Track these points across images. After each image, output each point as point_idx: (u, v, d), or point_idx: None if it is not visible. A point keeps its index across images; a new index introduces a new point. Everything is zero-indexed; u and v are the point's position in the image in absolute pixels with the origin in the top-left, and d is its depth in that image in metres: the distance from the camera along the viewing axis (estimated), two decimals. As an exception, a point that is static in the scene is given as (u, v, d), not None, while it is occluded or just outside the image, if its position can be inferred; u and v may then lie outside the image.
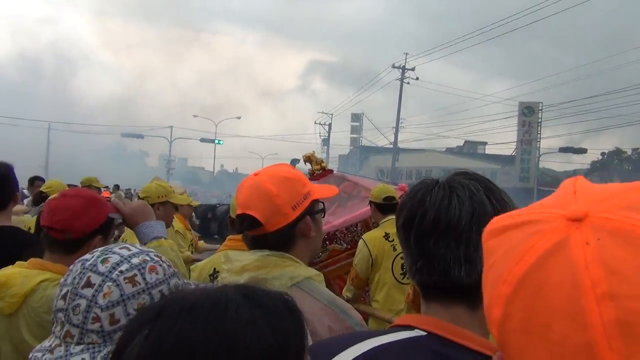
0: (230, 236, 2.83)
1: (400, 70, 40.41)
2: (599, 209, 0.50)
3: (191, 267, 2.77)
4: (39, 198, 5.19)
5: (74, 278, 1.06)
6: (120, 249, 1.11)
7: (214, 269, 2.64)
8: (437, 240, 1.03)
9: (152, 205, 3.59)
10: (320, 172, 5.44)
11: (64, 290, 1.06)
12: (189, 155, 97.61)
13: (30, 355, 1.05)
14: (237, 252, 1.60)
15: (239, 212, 1.57)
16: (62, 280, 1.10)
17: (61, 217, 1.92)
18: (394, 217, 4.85)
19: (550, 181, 42.66)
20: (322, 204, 1.71)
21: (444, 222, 1.02)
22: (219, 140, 56.87)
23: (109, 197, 9.96)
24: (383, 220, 4.47)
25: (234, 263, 1.55)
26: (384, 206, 4.40)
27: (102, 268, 1.05)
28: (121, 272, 1.05)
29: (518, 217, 0.56)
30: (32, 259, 1.97)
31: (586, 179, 0.60)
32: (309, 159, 5.56)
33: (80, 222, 1.93)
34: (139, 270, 1.06)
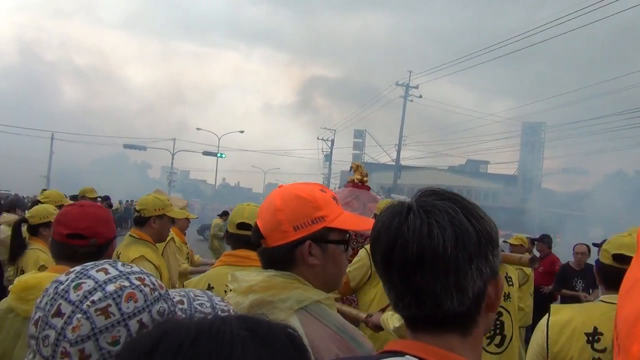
0: (226, 252, 2.79)
1: (404, 87, 40.53)
2: None
3: (185, 282, 2.72)
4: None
5: (46, 303, 0.96)
6: (98, 271, 0.98)
7: (209, 284, 2.61)
8: (423, 273, 0.97)
9: (149, 218, 3.56)
10: (357, 184, 5.58)
11: (37, 315, 0.96)
12: (191, 167, 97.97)
13: None
14: (244, 272, 1.52)
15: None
16: (37, 301, 1.01)
17: (88, 223, 2.01)
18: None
19: (552, 202, 42.54)
20: (347, 235, 1.56)
21: (429, 253, 0.96)
22: (221, 154, 56.83)
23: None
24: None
25: (241, 283, 1.47)
26: None
27: (73, 296, 0.94)
28: (93, 302, 0.92)
29: None
30: (55, 266, 2.03)
31: None
32: (357, 167, 5.78)
33: (105, 228, 2.06)
34: (114, 299, 0.93)
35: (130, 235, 3.49)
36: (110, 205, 11.60)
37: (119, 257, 3.34)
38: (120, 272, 0.99)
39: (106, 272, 0.98)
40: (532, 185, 43.42)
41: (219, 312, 1.01)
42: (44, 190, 7.18)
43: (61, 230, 2.01)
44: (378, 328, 3.27)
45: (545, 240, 8.56)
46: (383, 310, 3.61)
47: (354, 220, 1.60)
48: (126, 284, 0.96)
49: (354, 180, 5.68)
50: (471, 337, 1.01)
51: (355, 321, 3.43)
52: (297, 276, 1.47)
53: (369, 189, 5.71)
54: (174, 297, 1.04)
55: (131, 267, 1.02)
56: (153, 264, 3.29)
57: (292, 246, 1.47)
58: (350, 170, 5.97)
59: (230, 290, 1.52)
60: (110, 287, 0.94)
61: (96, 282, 0.95)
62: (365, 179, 5.72)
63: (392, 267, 1.01)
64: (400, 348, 1.01)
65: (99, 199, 8.33)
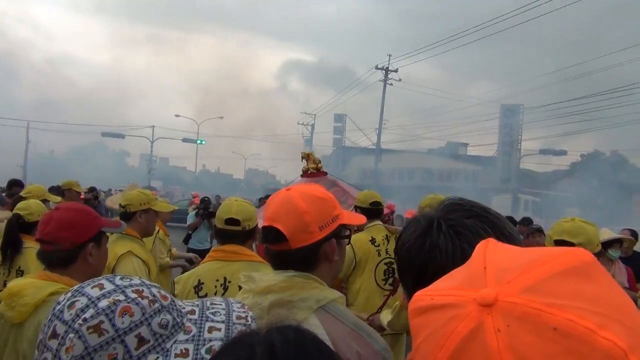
0: (215, 248, 2.80)
1: (384, 71, 40.49)
2: (506, 292, 0.55)
3: (175, 279, 2.73)
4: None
5: (45, 325, 0.93)
6: (93, 287, 0.94)
7: (199, 280, 2.64)
8: None
9: (134, 213, 3.56)
10: (313, 172, 5.50)
11: (39, 338, 0.94)
12: (171, 155, 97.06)
13: None
14: (260, 273, 1.57)
15: (265, 224, 1.54)
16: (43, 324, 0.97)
17: (51, 229, 2.00)
18: (379, 222, 4.81)
19: (530, 182, 43.13)
20: (348, 230, 1.66)
21: None
22: (201, 140, 56.53)
23: (83, 199, 9.86)
24: (368, 225, 4.46)
25: (258, 283, 1.51)
26: (370, 211, 4.40)
27: (66, 315, 0.90)
28: (85, 320, 0.88)
29: (437, 299, 0.60)
30: (39, 271, 2.04)
31: (497, 241, 0.67)
32: (307, 156, 5.67)
33: (70, 232, 2.01)
34: (107, 315, 0.88)
35: (117, 231, 3.48)
36: (96, 197, 11.45)
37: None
38: (117, 286, 0.95)
39: (101, 287, 0.94)
40: (511, 167, 43.91)
41: (235, 320, 1.00)
42: (11, 182, 7.13)
43: (35, 236, 2.06)
44: (381, 329, 3.34)
45: (525, 224, 8.68)
46: (379, 311, 3.73)
47: (355, 216, 1.78)
48: (121, 297, 0.91)
49: (308, 170, 5.61)
50: None
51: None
52: (314, 276, 1.51)
53: (325, 174, 5.65)
54: (183, 308, 1.01)
55: (130, 279, 0.98)
56: (141, 259, 3.30)
57: (318, 245, 1.51)
58: (302, 159, 5.86)
59: (246, 291, 1.54)
60: (103, 303, 0.90)
61: (89, 299, 0.91)
62: (319, 165, 5.64)
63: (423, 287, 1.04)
64: None
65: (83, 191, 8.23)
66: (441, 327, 0.57)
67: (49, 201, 5.38)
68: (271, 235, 1.52)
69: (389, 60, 40.57)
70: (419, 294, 0.64)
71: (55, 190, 7.38)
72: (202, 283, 2.61)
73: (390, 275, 4.42)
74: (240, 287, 2.54)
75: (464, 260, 0.93)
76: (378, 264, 4.40)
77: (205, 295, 2.58)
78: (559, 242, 2.58)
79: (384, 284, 4.38)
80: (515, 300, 0.53)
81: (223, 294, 2.58)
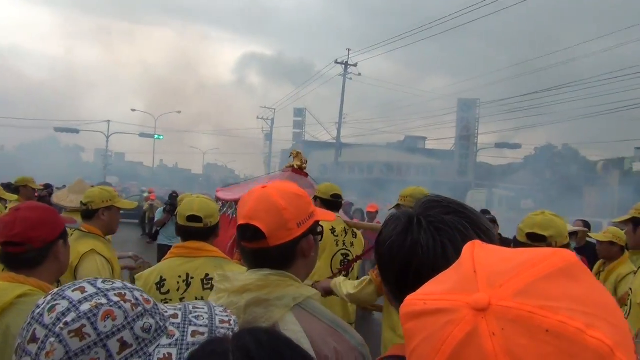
0: (177, 244, 2.83)
1: (343, 66, 40.61)
2: (499, 296, 0.57)
3: (136, 276, 2.76)
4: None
5: (23, 329, 0.90)
6: (74, 290, 0.92)
7: (161, 277, 2.66)
8: None
9: (97, 210, 3.54)
10: (295, 169, 5.59)
11: (16, 343, 0.91)
12: (127, 150, 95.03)
13: None
14: (235, 272, 1.56)
15: (242, 222, 1.52)
16: (21, 327, 0.94)
17: (19, 229, 1.95)
18: (339, 215, 4.81)
19: (486, 175, 44.13)
20: (321, 227, 1.66)
21: None
22: (159, 135, 55.59)
23: (37, 197, 9.61)
24: (328, 216, 4.56)
25: (234, 283, 1.50)
26: (331, 203, 4.51)
27: (47, 319, 0.87)
28: (66, 324, 0.86)
29: (430, 304, 0.62)
30: (2, 273, 1.98)
31: (483, 243, 0.70)
32: (297, 154, 5.76)
33: (40, 231, 1.98)
34: (89, 319, 0.86)
35: (79, 230, 3.45)
36: (52, 194, 11.18)
37: (67, 252, 3.31)
38: (98, 289, 0.92)
39: (83, 290, 0.92)
40: (468, 160, 44.80)
41: (218, 324, 0.99)
42: None
43: None
44: (327, 293, 3.43)
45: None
46: (331, 278, 3.80)
47: (326, 213, 1.79)
48: (103, 301, 0.90)
49: (293, 167, 5.75)
50: None
51: None
52: (289, 274, 1.52)
53: (307, 175, 5.79)
54: (165, 312, 0.99)
55: (112, 282, 0.96)
56: (105, 257, 3.28)
57: (296, 242, 1.53)
58: (290, 156, 5.99)
59: (222, 291, 1.53)
60: (85, 307, 0.88)
61: (71, 302, 0.89)
62: (304, 165, 5.76)
63: (406, 285, 0.99)
64: (402, 352, 1.00)
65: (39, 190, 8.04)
66: (437, 332, 0.59)
67: (5, 200, 5.28)
68: (249, 233, 1.51)
69: (349, 55, 40.76)
70: (410, 299, 0.66)
71: (6, 187, 7.23)
72: (164, 280, 2.64)
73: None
74: (202, 282, 2.61)
75: (444, 255, 0.99)
76: (335, 253, 4.51)
77: (168, 292, 2.61)
78: (531, 235, 2.67)
79: (338, 274, 4.50)
80: (509, 304, 0.55)
81: (186, 290, 2.62)
